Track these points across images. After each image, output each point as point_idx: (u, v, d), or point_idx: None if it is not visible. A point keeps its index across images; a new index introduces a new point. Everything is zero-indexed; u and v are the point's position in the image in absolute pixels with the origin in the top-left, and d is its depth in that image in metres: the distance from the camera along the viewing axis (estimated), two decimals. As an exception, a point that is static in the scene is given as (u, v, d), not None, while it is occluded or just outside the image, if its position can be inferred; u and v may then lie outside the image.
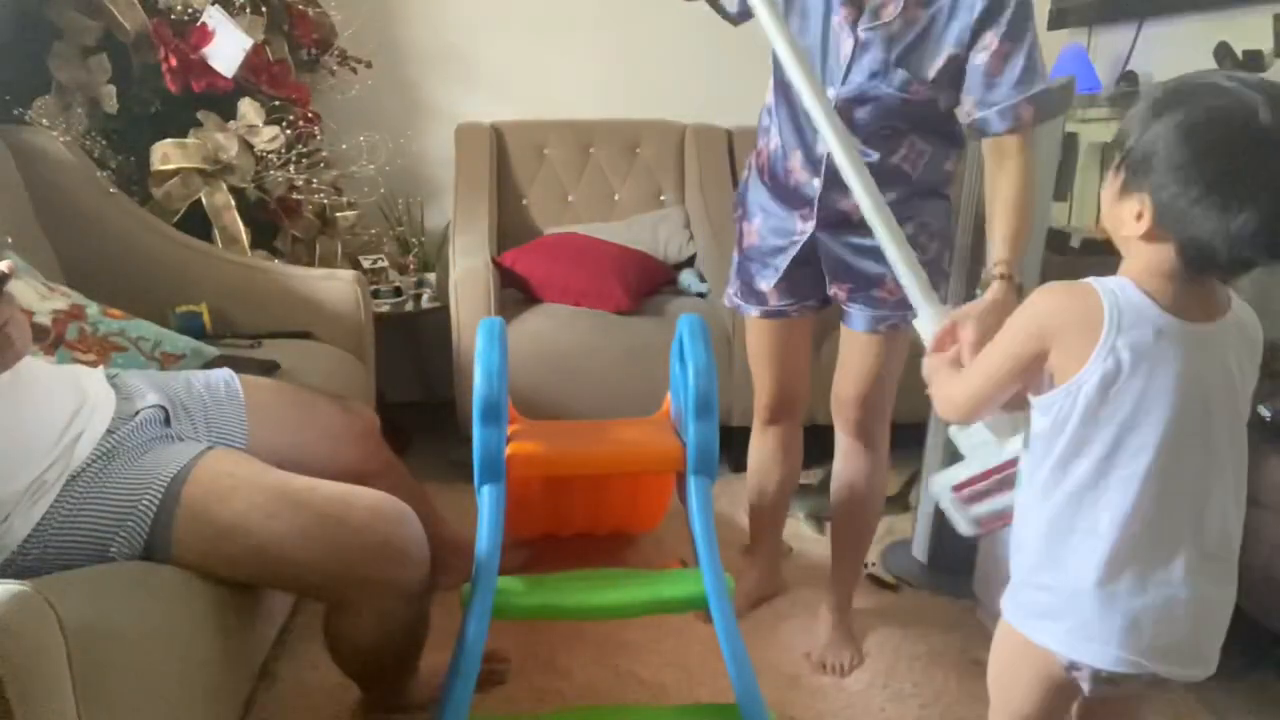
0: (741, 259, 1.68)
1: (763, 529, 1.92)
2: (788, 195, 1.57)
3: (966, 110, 1.40)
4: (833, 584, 1.80)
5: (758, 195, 1.63)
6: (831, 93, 1.42)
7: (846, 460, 1.72)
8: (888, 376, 1.63)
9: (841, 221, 1.52)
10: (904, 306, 1.40)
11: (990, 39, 1.34)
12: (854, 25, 1.39)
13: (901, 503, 2.37)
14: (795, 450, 1.83)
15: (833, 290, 1.60)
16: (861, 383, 1.63)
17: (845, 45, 1.40)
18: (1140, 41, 2.58)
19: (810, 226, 1.54)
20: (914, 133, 1.46)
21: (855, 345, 1.62)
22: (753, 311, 1.67)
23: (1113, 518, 0.97)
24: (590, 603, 1.42)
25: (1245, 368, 1.00)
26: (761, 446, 1.82)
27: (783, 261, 1.59)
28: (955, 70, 1.38)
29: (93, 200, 2.11)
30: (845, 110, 1.42)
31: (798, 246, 1.57)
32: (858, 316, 1.59)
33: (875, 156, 1.45)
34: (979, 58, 1.35)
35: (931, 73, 1.38)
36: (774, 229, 1.60)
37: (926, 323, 1.26)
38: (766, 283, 1.62)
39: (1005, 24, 1.32)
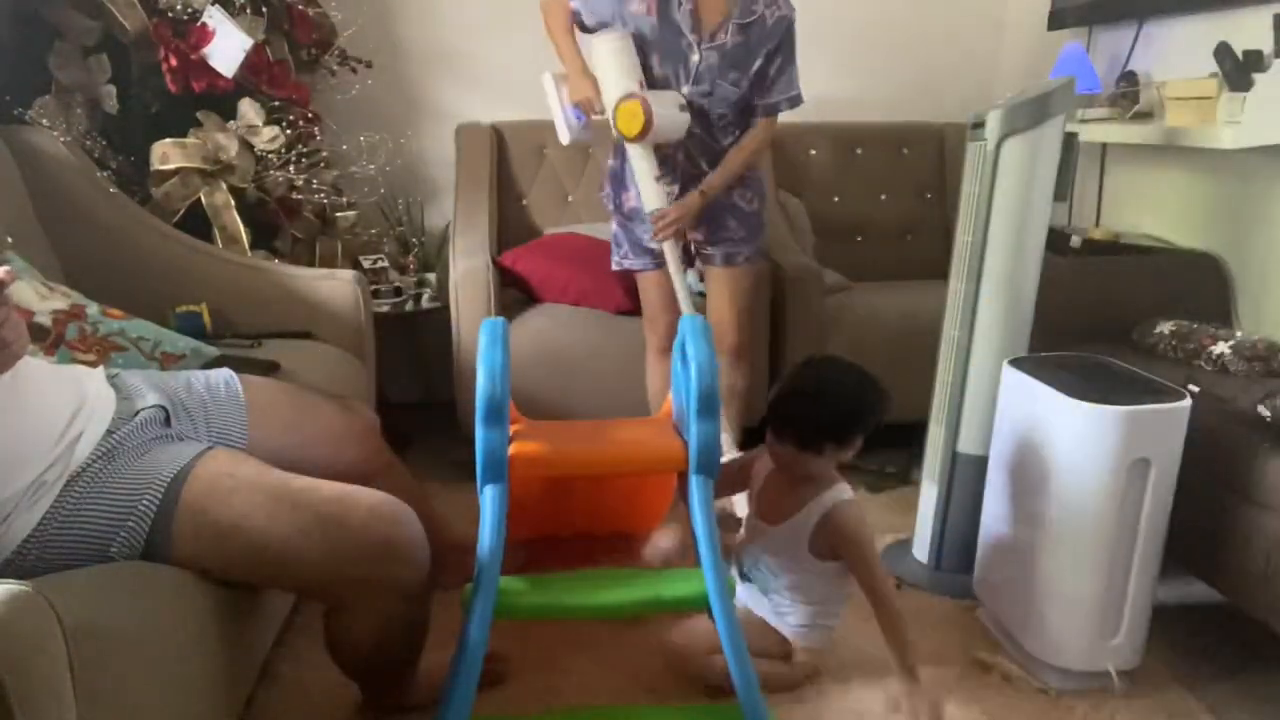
0: (624, 224, 2.25)
1: None
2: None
3: (754, 102, 2.14)
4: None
5: (630, 171, 2.17)
6: (686, 90, 2.10)
7: (725, 372, 2.21)
8: (750, 302, 2.28)
9: (691, 181, 2.17)
10: (743, 243, 2.22)
11: (777, 59, 2.09)
12: (698, 45, 2.07)
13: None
14: (670, 367, 2.33)
15: (691, 236, 2.22)
16: (731, 310, 2.23)
17: (692, 59, 2.08)
18: (1140, 41, 2.58)
19: (674, 190, 2.17)
20: (736, 122, 2.16)
21: (719, 279, 2.24)
22: (649, 268, 2.23)
23: None
24: (591, 603, 1.42)
25: None
26: (659, 372, 2.28)
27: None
28: (760, 73, 2.10)
29: (93, 200, 2.11)
30: (695, 100, 2.10)
31: (669, 201, 2.15)
32: (716, 255, 2.23)
33: (724, 143, 2.16)
34: (770, 69, 2.10)
35: (750, 72, 2.09)
36: (636, 195, 2.17)
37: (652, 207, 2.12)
38: (648, 235, 2.16)
39: (785, 50, 2.09)
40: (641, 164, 2.10)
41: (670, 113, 2.04)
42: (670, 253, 2.13)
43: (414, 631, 1.41)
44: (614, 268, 2.31)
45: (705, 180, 2.14)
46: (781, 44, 2.08)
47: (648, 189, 2.11)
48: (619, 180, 2.25)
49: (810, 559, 1.60)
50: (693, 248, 2.26)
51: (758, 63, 2.08)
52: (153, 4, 2.23)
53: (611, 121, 2.05)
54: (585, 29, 2.16)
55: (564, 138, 2.24)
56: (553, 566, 1.63)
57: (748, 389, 2.36)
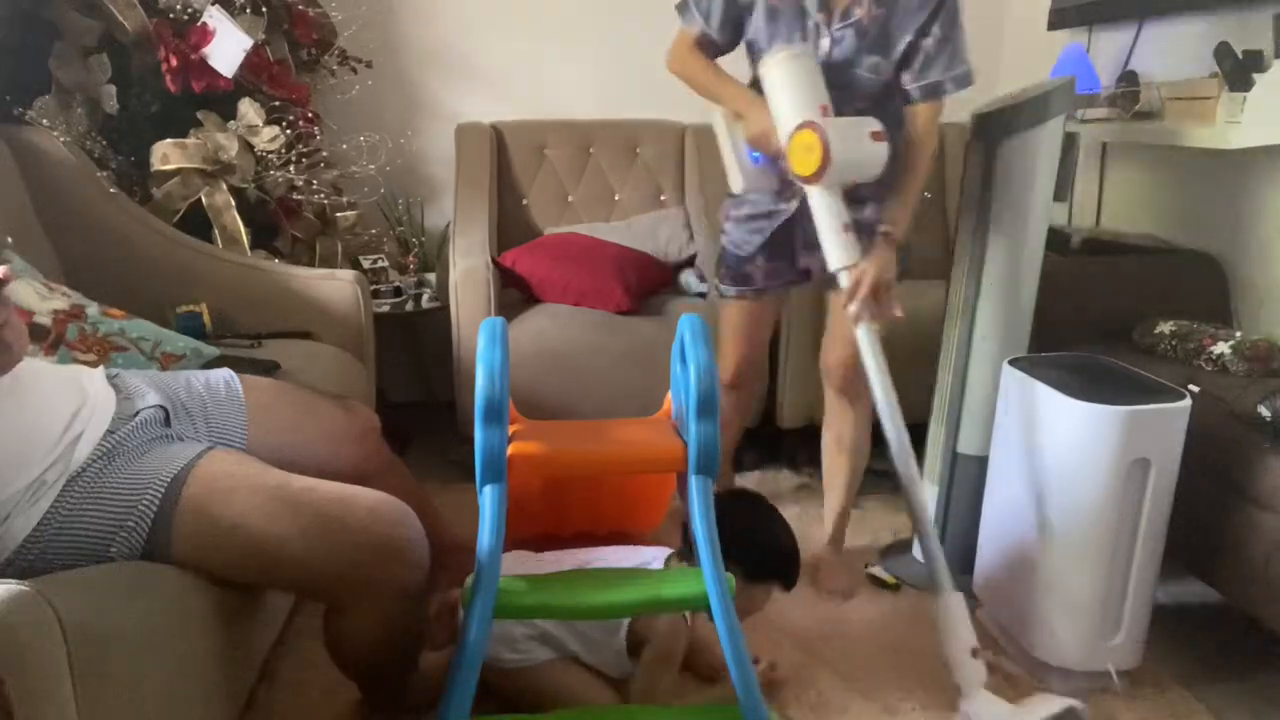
0: (728, 242, 1.93)
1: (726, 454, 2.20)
2: (782, 187, 1.83)
3: (903, 83, 1.74)
4: (829, 522, 2.10)
5: (746, 198, 1.88)
6: None
7: (835, 414, 2.02)
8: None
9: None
10: None
11: (934, 28, 1.68)
12: (828, 25, 1.70)
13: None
14: (747, 411, 2.23)
15: (804, 264, 1.88)
16: (844, 345, 1.88)
17: (823, 43, 1.71)
18: (1140, 41, 2.58)
19: (792, 207, 1.82)
20: (876, 116, 1.67)
21: (839, 309, 1.80)
22: (742, 291, 1.93)
23: None
24: (590, 603, 1.42)
25: None
26: (734, 400, 2.06)
27: (767, 226, 1.86)
28: (909, 53, 1.70)
29: (93, 200, 2.11)
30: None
31: (781, 218, 1.84)
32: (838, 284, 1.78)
33: None
34: (926, 43, 1.69)
35: (896, 54, 1.71)
36: (756, 225, 1.88)
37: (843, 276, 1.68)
38: (751, 247, 1.88)
39: (946, 17, 1.68)
40: (824, 213, 1.66)
41: (858, 145, 1.60)
42: (866, 344, 1.68)
43: (413, 632, 1.41)
44: (712, 290, 2.10)
45: (888, 216, 1.72)
46: (938, 10, 1.67)
47: (833, 243, 1.66)
48: (728, 210, 1.95)
49: None
50: (804, 265, 1.89)
51: (905, 39, 1.69)
52: (153, 4, 2.23)
53: (785, 159, 1.64)
54: (719, 49, 1.82)
55: (736, 184, 1.83)
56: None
57: (863, 439, 2.01)
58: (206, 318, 2.08)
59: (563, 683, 1.54)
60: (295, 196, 2.49)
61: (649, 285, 2.66)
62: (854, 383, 1.90)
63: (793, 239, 1.86)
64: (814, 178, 1.59)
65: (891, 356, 2.49)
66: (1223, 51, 2.09)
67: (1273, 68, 2.00)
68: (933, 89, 1.71)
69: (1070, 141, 1.91)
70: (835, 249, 1.66)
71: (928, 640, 1.81)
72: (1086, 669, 1.65)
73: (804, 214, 1.74)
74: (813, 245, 1.74)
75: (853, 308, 1.65)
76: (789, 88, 1.64)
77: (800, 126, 1.59)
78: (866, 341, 1.68)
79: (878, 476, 2.53)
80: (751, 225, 1.88)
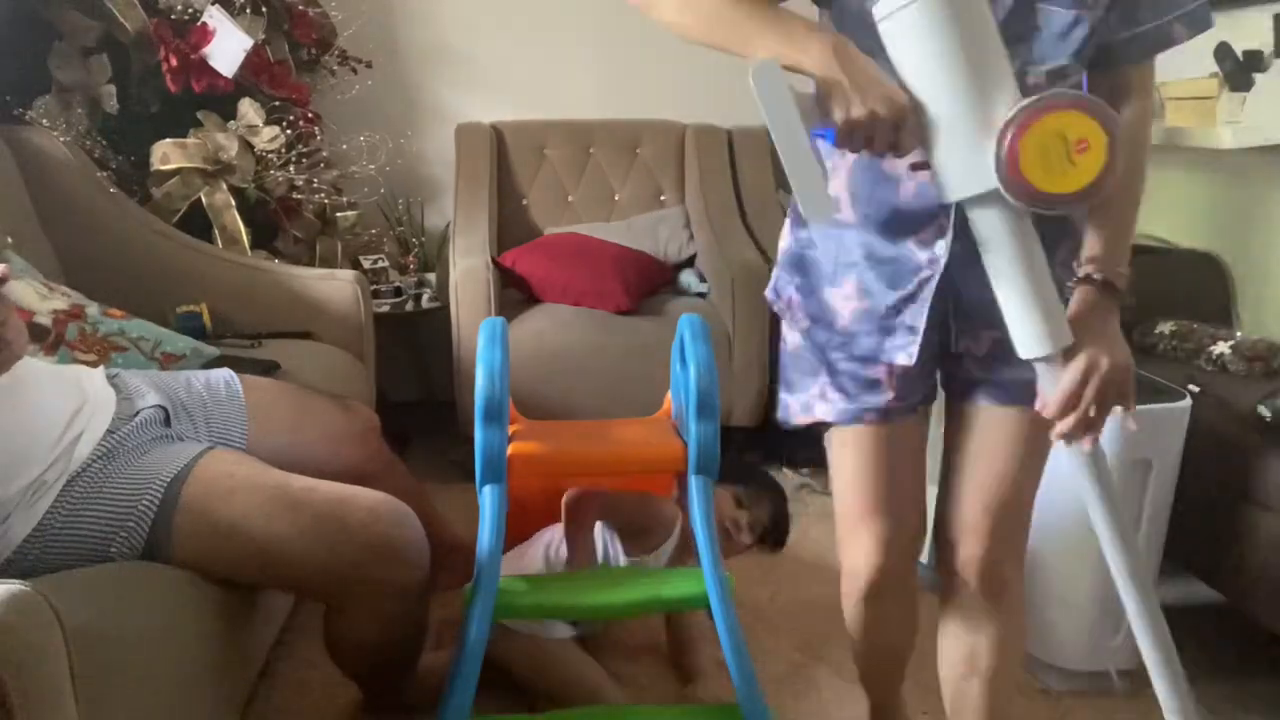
0: (818, 345, 1.15)
1: (887, 706, 1.47)
2: (900, 219, 1.06)
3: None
4: None
5: (843, 244, 1.11)
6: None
7: (966, 618, 1.24)
8: (1029, 481, 1.16)
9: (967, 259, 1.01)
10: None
11: None
12: None
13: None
14: (915, 610, 1.39)
15: (964, 345, 1.11)
16: (995, 492, 1.15)
17: None
18: (1140, 41, 2.58)
19: (942, 249, 1.05)
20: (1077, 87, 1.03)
21: (987, 428, 1.15)
22: (864, 419, 1.15)
23: None
24: (590, 602, 1.42)
25: None
26: (880, 615, 1.31)
27: (919, 313, 1.07)
28: None
29: (93, 200, 2.11)
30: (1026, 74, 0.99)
31: (933, 281, 1.06)
32: (1002, 385, 1.11)
33: None
34: None
35: None
36: (885, 279, 1.09)
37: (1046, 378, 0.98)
38: (906, 355, 1.09)
39: None
40: (1022, 260, 0.93)
41: None
42: (1091, 482, 1.02)
43: (414, 632, 1.41)
44: (790, 418, 1.22)
45: (1089, 250, 1.03)
46: None
47: (1035, 312, 0.94)
48: (806, 268, 1.16)
49: None
50: (964, 346, 1.13)
51: None
52: (153, 4, 2.23)
53: (995, 166, 0.86)
54: None
55: (816, 210, 0.91)
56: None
57: (1005, 669, 1.24)
58: (206, 318, 2.08)
59: (562, 658, 1.54)
60: (295, 196, 2.49)
61: (649, 285, 2.66)
62: (1001, 567, 1.17)
63: (944, 310, 1.09)
64: (1076, 199, 0.88)
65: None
66: (1223, 51, 2.09)
67: (1273, 68, 2.00)
68: (1153, 41, 1.01)
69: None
70: (1038, 323, 0.95)
71: (929, 641, 1.81)
72: (1086, 669, 1.65)
73: (964, 264, 1.02)
74: (975, 316, 1.07)
75: (1068, 421, 0.98)
76: (967, 35, 0.87)
77: (1050, 104, 0.86)
78: (1090, 476, 1.01)
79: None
80: (890, 324, 1.10)
